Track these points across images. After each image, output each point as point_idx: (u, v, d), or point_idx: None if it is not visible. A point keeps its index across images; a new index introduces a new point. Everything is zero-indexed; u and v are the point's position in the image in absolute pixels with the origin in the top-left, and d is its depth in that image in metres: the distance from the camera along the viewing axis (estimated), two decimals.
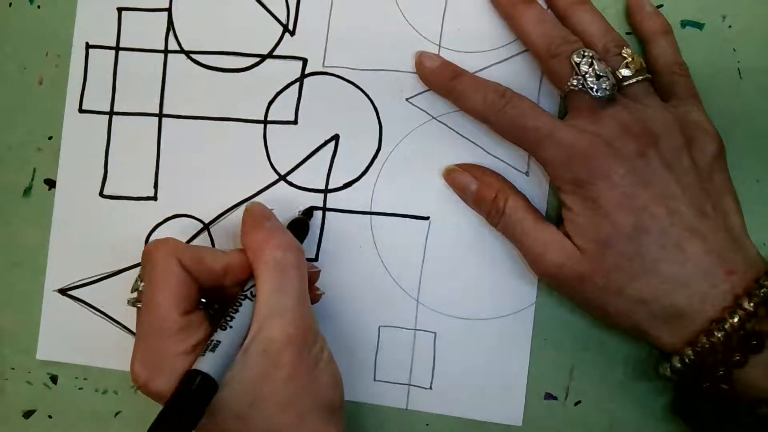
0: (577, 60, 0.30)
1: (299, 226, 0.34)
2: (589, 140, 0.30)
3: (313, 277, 0.33)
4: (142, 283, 0.31)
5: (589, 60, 0.30)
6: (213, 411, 0.28)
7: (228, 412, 0.28)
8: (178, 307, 0.29)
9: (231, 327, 0.29)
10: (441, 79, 0.33)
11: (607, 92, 0.30)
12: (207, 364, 0.28)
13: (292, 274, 0.30)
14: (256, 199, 0.36)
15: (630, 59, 0.31)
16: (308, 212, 0.35)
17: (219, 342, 0.28)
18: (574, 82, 0.30)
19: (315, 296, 0.33)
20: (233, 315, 0.29)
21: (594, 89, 0.30)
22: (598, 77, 0.30)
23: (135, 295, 0.31)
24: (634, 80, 0.31)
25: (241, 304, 0.29)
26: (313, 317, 0.30)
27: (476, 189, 0.33)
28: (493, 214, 0.33)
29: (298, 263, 0.30)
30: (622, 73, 0.31)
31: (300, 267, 0.30)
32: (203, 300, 0.31)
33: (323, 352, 0.30)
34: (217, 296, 0.32)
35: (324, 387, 0.30)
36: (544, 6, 0.33)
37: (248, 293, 0.30)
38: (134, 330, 0.36)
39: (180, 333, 0.29)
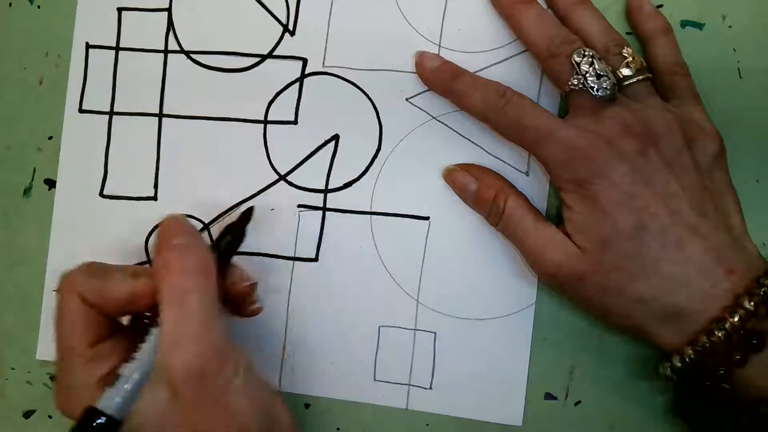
0: (578, 59, 0.30)
1: (234, 232, 0.32)
2: (589, 139, 0.30)
3: (245, 290, 0.31)
4: None
5: (590, 59, 0.30)
6: None
7: None
8: (82, 340, 0.28)
9: (135, 359, 0.27)
10: (441, 79, 0.33)
11: (608, 91, 0.30)
12: (107, 399, 0.27)
13: (193, 300, 0.27)
14: (256, 199, 0.36)
15: (630, 59, 0.31)
16: (246, 215, 0.32)
17: (120, 375, 0.27)
18: (575, 82, 0.30)
19: (250, 311, 0.32)
20: (140, 345, 0.28)
21: (594, 88, 0.30)
22: (598, 76, 0.30)
23: None
24: (634, 80, 0.31)
25: (149, 333, 0.28)
26: (223, 341, 0.27)
27: (476, 189, 0.33)
28: (493, 214, 0.33)
29: (200, 287, 0.27)
30: (623, 73, 0.31)
31: (204, 291, 0.27)
32: (148, 316, 0.30)
33: (236, 377, 0.27)
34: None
35: (239, 415, 0.27)
36: (544, 6, 0.33)
37: (157, 320, 0.28)
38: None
39: (88, 365, 0.28)
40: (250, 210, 0.33)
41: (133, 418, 0.27)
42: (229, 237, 0.32)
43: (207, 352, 0.27)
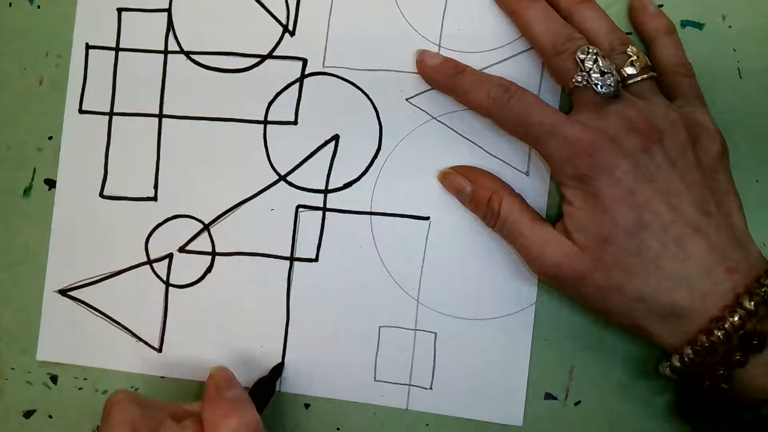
0: (582, 57, 0.30)
1: (265, 386, 0.33)
2: (593, 135, 0.30)
3: None
4: None
5: (594, 57, 0.30)
6: None
7: None
8: None
9: None
10: (443, 76, 0.33)
11: (612, 89, 0.30)
12: None
13: None
14: (255, 199, 0.36)
15: (635, 57, 0.31)
16: (276, 370, 0.34)
17: None
18: (579, 79, 0.30)
19: None
20: None
21: (599, 85, 0.30)
22: (602, 74, 0.30)
23: None
24: (638, 78, 0.31)
25: None
26: None
27: (471, 191, 0.33)
28: (489, 215, 0.33)
29: None
30: (627, 71, 0.31)
31: None
32: None
33: None
34: None
35: None
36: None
37: None
38: (134, 331, 0.36)
39: None
40: (281, 366, 0.35)
41: None
42: (262, 390, 0.33)
43: None
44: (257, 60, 0.36)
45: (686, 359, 0.29)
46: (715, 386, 0.29)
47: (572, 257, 0.30)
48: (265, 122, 0.36)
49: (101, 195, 0.37)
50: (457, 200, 0.34)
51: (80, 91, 0.37)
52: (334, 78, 0.35)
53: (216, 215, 0.36)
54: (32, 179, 0.37)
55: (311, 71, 0.36)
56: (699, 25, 0.34)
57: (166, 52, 0.36)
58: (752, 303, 0.28)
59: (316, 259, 0.35)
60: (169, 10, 0.36)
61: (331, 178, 0.35)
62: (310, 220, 0.35)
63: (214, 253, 0.36)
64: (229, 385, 0.31)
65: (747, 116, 0.34)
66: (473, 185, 0.33)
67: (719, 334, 0.28)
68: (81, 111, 0.37)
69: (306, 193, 0.35)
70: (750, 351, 0.28)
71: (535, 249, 0.31)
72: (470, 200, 0.33)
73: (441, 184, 0.34)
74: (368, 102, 0.35)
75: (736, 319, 0.28)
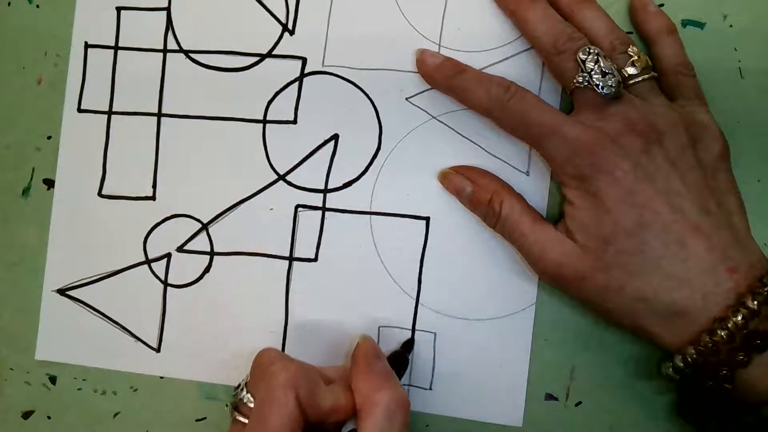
0: (583, 57, 0.30)
1: (399, 359, 0.33)
2: (594, 135, 0.30)
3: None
4: (248, 395, 0.30)
5: (595, 57, 0.30)
6: None
7: None
8: None
9: None
10: (444, 75, 0.33)
11: (613, 89, 0.30)
12: None
13: (396, 426, 0.28)
14: (255, 198, 0.36)
15: (636, 57, 0.31)
16: (408, 345, 0.34)
17: None
18: (580, 79, 0.30)
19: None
20: None
21: (600, 86, 0.30)
22: (603, 74, 0.30)
23: (237, 402, 0.30)
24: (639, 79, 0.31)
25: None
26: None
27: (471, 191, 0.33)
28: (490, 216, 0.33)
29: (405, 423, 0.29)
30: (628, 72, 0.31)
31: (406, 426, 0.29)
32: None
33: None
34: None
35: None
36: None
37: None
38: (133, 331, 0.36)
39: None
40: (412, 340, 0.34)
41: None
42: (396, 365, 0.32)
43: None
44: (257, 59, 0.36)
45: (689, 359, 0.29)
46: (718, 386, 0.29)
47: (573, 257, 0.30)
48: (265, 121, 0.36)
49: (100, 194, 0.37)
50: (457, 200, 0.34)
51: (79, 90, 0.37)
52: (334, 77, 0.35)
53: (215, 215, 0.36)
54: (31, 179, 0.37)
55: (311, 70, 0.35)
56: (700, 25, 0.34)
57: (165, 51, 0.36)
58: (755, 302, 0.28)
59: (315, 259, 0.35)
60: (168, 9, 0.36)
61: (330, 178, 0.35)
62: (309, 220, 0.35)
63: (212, 253, 0.36)
64: (377, 356, 0.31)
65: (748, 116, 0.34)
66: (474, 185, 0.33)
67: (722, 333, 0.28)
68: (80, 110, 0.37)
69: (305, 192, 0.35)
70: (753, 351, 0.28)
71: (536, 249, 0.31)
72: (471, 201, 0.33)
73: (441, 184, 0.34)
74: (368, 101, 0.35)
75: (739, 318, 0.28)
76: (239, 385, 0.31)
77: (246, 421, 0.29)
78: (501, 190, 0.33)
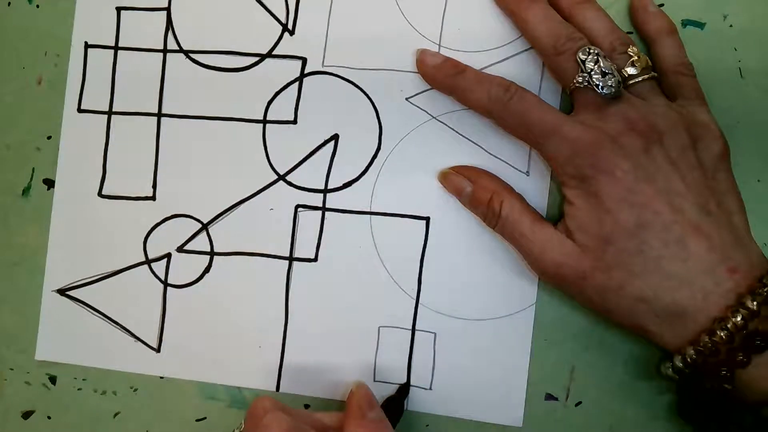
0: (583, 57, 0.30)
1: (394, 405, 0.33)
2: (594, 135, 0.30)
3: None
4: None
5: (595, 57, 0.30)
6: None
7: None
8: None
9: None
10: (444, 75, 0.33)
11: (613, 89, 0.30)
12: None
13: None
14: (255, 198, 0.36)
15: (636, 58, 0.31)
16: (403, 390, 0.34)
17: None
18: (580, 79, 0.30)
19: None
20: None
21: (600, 86, 0.30)
22: (603, 74, 0.30)
23: None
24: (639, 79, 0.31)
25: None
26: None
27: (471, 191, 0.33)
28: (490, 216, 0.33)
29: None
30: (628, 72, 0.31)
31: None
32: None
33: None
34: None
35: None
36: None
37: None
38: (133, 331, 0.36)
39: None
40: (407, 386, 0.34)
41: None
42: (391, 410, 0.33)
43: None
44: (257, 59, 0.36)
45: (688, 359, 0.29)
46: (718, 387, 0.29)
47: (573, 257, 0.30)
48: (265, 121, 0.36)
49: (100, 194, 0.37)
50: (457, 200, 0.34)
51: (79, 90, 0.37)
52: (334, 77, 0.35)
53: (215, 215, 0.36)
54: (31, 179, 0.37)
55: (311, 70, 0.35)
56: (700, 25, 0.34)
57: (165, 51, 0.36)
58: (755, 303, 0.28)
59: (315, 259, 0.35)
60: (168, 9, 0.36)
61: (330, 178, 0.35)
62: (309, 220, 0.35)
63: (212, 253, 0.36)
64: (370, 404, 0.31)
65: (748, 116, 0.34)
66: (473, 186, 0.33)
67: (722, 334, 0.28)
68: (80, 110, 0.37)
69: (305, 192, 0.35)
70: (753, 351, 0.28)
71: (536, 249, 0.31)
72: (470, 201, 0.33)
73: (441, 184, 0.34)
74: (368, 101, 0.35)
75: (738, 319, 0.28)
76: (233, 431, 0.31)
77: None
78: (501, 190, 0.33)
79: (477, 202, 0.33)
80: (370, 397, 0.32)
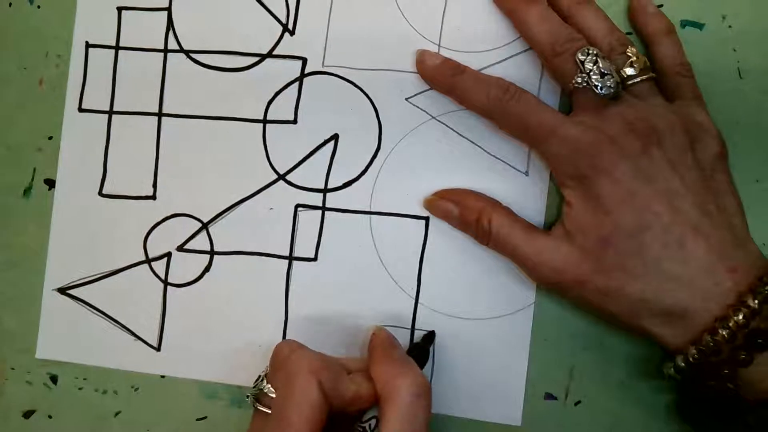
0: (582, 58, 0.30)
1: (419, 352, 0.33)
2: (593, 136, 0.30)
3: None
4: (268, 385, 0.30)
5: (594, 58, 0.30)
6: None
7: None
8: (308, 421, 0.28)
9: None
10: (443, 76, 0.33)
11: (612, 90, 0.30)
12: None
13: (421, 420, 0.28)
14: (255, 198, 0.36)
15: (634, 58, 0.31)
16: (428, 338, 0.34)
17: None
18: (579, 80, 0.30)
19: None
20: None
21: (598, 87, 0.30)
22: (602, 75, 0.30)
23: (257, 393, 0.30)
24: (638, 79, 0.31)
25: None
26: None
27: (459, 214, 0.33)
28: (481, 235, 0.33)
29: (427, 407, 0.28)
30: (627, 72, 0.31)
31: (429, 411, 0.29)
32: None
33: None
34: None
35: None
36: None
37: (366, 426, 0.29)
38: (133, 330, 0.36)
39: None
40: (432, 333, 0.34)
41: None
42: (415, 356, 0.32)
43: None
44: (257, 59, 0.36)
45: (691, 359, 0.29)
46: (721, 386, 0.29)
47: (571, 262, 0.30)
48: (265, 121, 0.36)
49: (100, 194, 0.37)
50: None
51: (80, 90, 0.37)
52: (334, 77, 0.35)
53: (215, 214, 0.36)
54: (32, 179, 0.37)
55: (311, 70, 0.36)
56: (699, 25, 0.34)
57: (165, 50, 0.36)
58: (756, 301, 0.28)
59: (315, 259, 0.35)
60: (169, 9, 0.36)
61: (330, 178, 0.35)
62: (309, 220, 0.35)
63: (212, 252, 0.36)
64: (393, 345, 0.31)
65: (747, 116, 0.34)
66: (459, 207, 0.33)
67: (724, 333, 0.28)
68: (81, 110, 0.37)
69: (305, 192, 0.35)
70: (755, 350, 0.28)
71: (533, 258, 0.31)
72: (459, 223, 0.33)
73: (427, 210, 0.34)
74: (368, 101, 0.35)
75: (740, 317, 0.28)
76: (259, 377, 0.31)
77: (269, 411, 0.29)
78: (487, 207, 0.33)
79: (466, 223, 0.33)
80: (392, 338, 0.32)
